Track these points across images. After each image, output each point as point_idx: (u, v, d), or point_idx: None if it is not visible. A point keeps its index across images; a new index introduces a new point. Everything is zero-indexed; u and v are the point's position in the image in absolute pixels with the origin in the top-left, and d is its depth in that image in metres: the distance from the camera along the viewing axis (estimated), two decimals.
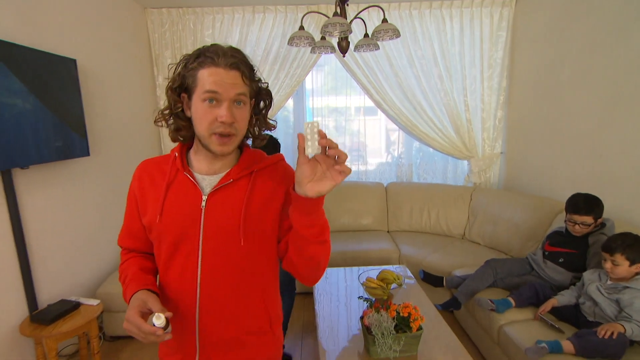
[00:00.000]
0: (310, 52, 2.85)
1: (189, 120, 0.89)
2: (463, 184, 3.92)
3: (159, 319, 0.80)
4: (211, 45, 0.86)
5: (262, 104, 0.95)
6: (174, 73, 0.88)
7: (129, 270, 0.96)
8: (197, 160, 0.95)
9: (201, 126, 0.85)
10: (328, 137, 0.74)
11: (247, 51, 3.58)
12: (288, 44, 2.67)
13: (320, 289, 2.51)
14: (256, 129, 0.95)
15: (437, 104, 3.70)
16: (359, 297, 2.19)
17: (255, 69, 0.90)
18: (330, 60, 3.77)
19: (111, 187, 2.81)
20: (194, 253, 0.91)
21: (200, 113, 0.85)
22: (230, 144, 0.87)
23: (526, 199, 3.13)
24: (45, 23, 2.25)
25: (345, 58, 3.60)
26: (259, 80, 0.92)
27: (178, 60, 0.89)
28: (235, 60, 0.84)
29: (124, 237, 1.01)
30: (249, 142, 0.98)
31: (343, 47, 2.64)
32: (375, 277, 2.41)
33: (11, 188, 2.00)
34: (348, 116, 3.86)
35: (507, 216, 3.17)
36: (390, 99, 3.72)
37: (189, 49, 3.54)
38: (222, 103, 0.83)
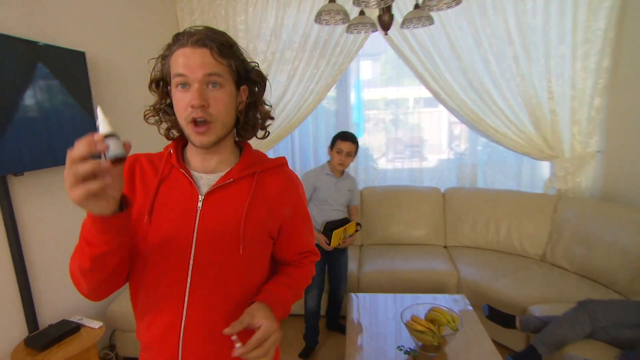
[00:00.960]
0: (346, 31, 2.28)
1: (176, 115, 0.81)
2: (543, 192, 3.11)
3: (102, 125, 0.59)
4: (184, 30, 0.78)
5: (255, 88, 0.86)
6: (155, 65, 0.82)
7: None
8: (191, 156, 0.87)
9: (179, 116, 0.78)
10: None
11: (284, 37, 3.11)
12: (315, 21, 2.13)
13: (354, 319, 1.97)
14: (252, 117, 0.88)
15: (510, 92, 2.94)
16: (399, 348, 1.62)
17: (242, 49, 0.82)
18: (387, 49, 3.17)
19: None
20: (184, 260, 0.80)
21: (175, 101, 0.78)
22: (209, 133, 0.78)
23: (636, 214, 2.30)
24: (59, 16, 2.00)
25: (395, 39, 2.99)
26: (243, 59, 0.82)
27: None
28: (201, 36, 0.75)
29: None
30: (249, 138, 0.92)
31: (385, 22, 2.05)
32: (423, 316, 1.82)
33: (7, 195, 1.78)
34: (406, 108, 3.32)
35: (607, 236, 2.36)
36: (450, 87, 3.02)
37: None
38: (192, 85, 0.75)
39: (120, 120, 2.50)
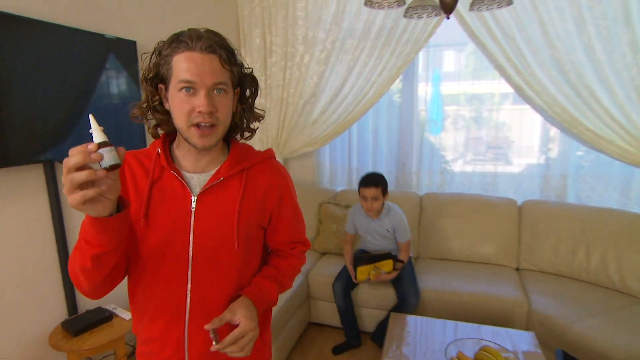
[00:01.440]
0: (404, 16, 1.94)
1: (168, 113, 0.82)
2: None
3: (96, 135, 0.61)
4: (187, 29, 0.78)
5: (247, 92, 0.88)
6: (148, 63, 0.81)
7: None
8: (181, 156, 0.87)
9: (179, 118, 0.79)
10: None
11: (345, 25, 2.84)
12: (365, 4, 1.83)
13: (394, 343, 1.70)
14: (244, 120, 0.90)
15: (621, 87, 2.35)
16: None
17: (237, 52, 0.83)
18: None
19: None
20: (183, 260, 0.83)
21: (177, 104, 0.78)
22: (212, 135, 0.80)
23: None
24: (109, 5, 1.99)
25: (472, 24, 2.54)
26: (242, 65, 0.85)
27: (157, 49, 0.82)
28: (212, 42, 0.77)
29: None
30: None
31: (447, 3, 1.68)
32: (472, 354, 1.51)
33: (54, 180, 1.82)
34: (491, 105, 2.88)
35: None
36: (538, 81, 2.51)
37: (279, 26, 2.98)
38: (199, 91, 0.77)
39: None
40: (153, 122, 0.86)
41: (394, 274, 2.26)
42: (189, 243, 0.84)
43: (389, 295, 2.35)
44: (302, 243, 1.04)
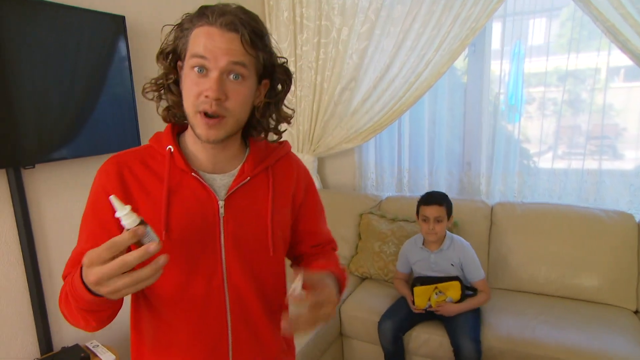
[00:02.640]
0: None
1: (182, 96, 0.77)
2: None
3: (127, 217, 0.60)
4: (218, 3, 0.74)
5: (278, 86, 0.83)
6: (168, 35, 0.78)
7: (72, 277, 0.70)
8: (196, 152, 0.82)
9: (187, 101, 0.74)
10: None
11: None
12: None
13: None
14: (269, 119, 0.85)
15: None
16: None
17: (273, 39, 0.79)
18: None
19: None
20: (217, 273, 0.80)
21: (187, 84, 0.74)
22: (220, 127, 0.74)
23: None
24: None
25: None
26: (272, 52, 0.79)
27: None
28: (235, 19, 0.71)
29: (80, 260, 0.65)
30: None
31: None
32: None
33: (21, 189, 1.61)
34: (593, 83, 2.34)
35: None
36: None
37: None
38: (210, 72, 0.71)
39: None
40: (164, 103, 0.82)
41: (464, 306, 1.91)
42: (221, 256, 0.80)
43: (446, 344, 1.87)
44: (333, 242, 1.03)
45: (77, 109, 1.67)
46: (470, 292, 1.98)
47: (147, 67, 2.05)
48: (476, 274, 1.97)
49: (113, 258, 0.58)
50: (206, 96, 0.71)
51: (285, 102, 0.87)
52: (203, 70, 0.72)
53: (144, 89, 0.82)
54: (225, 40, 0.71)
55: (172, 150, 0.79)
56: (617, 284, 2.07)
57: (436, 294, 1.92)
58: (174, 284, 0.79)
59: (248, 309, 0.84)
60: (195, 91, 0.72)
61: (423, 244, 2.05)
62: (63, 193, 1.77)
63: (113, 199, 0.61)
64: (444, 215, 1.95)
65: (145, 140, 1.99)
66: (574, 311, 2.00)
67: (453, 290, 1.91)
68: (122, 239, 0.58)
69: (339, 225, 2.61)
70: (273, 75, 0.82)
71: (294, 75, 2.73)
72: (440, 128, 2.75)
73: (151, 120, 2.08)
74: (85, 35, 1.67)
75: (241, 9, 0.74)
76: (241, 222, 0.81)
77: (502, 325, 1.90)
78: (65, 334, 1.81)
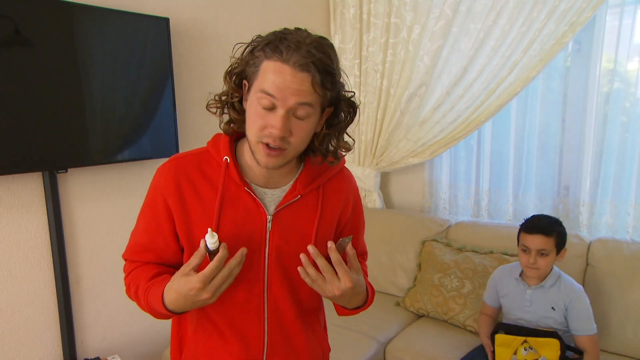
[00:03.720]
0: None
1: (245, 113, 0.85)
2: None
3: (212, 237, 0.76)
4: (292, 31, 0.80)
5: (341, 115, 0.89)
6: (240, 55, 0.85)
7: (141, 277, 0.90)
8: (251, 166, 0.90)
9: (251, 130, 0.83)
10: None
11: None
12: None
13: None
14: (328, 145, 0.90)
15: None
16: None
17: (339, 73, 0.84)
18: None
19: None
20: (258, 284, 0.90)
21: (252, 113, 0.82)
22: (280, 157, 0.84)
23: None
24: None
25: None
26: (340, 88, 0.86)
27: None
28: (308, 60, 0.76)
29: (138, 251, 0.93)
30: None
31: None
32: None
33: (56, 191, 1.73)
34: None
35: None
36: None
37: None
38: (278, 109, 0.78)
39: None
40: (226, 117, 0.89)
41: None
42: (264, 267, 0.89)
43: None
44: (366, 253, 1.11)
45: (121, 115, 1.77)
46: (573, 354, 1.67)
47: (189, 72, 2.11)
48: (585, 327, 1.67)
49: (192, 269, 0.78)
50: (271, 132, 0.79)
51: (349, 131, 0.92)
52: (270, 105, 0.79)
53: (208, 104, 0.89)
54: (296, 82, 0.76)
55: (229, 161, 0.88)
56: None
57: (525, 349, 1.65)
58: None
59: (284, 317, 0.94)
60: (260, 124, 0.80)
61: (520, 276, 1.79)
62: (96, 198, 1.87)
63: (208, 237, 0.77)
64: (552, 249, 1.68)
65: (183, 147, 2.04)
66: None
67: (549, 350, 1.61)
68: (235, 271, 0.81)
69: (398, 252, 2.44)
70: (338, 105, 0.87)
71: (358, 79, 2.70)
72: (531, 143, 2.44)
73: (191, 127, 2.14)
74: (131, 39, 1.77)
75: (316, 43, 0.78)
76: (287, 238, 0.90)
77: None
78: (88, 345, 1.90)
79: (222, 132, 0.92)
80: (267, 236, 0.89)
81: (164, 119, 1.91)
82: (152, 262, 0.92)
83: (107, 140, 1.76)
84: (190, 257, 0.81)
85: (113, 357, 1.85)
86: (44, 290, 1.75)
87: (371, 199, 2.77)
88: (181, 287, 0.77)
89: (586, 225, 2.30)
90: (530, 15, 2.13)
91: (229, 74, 0.86)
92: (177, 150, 1.95)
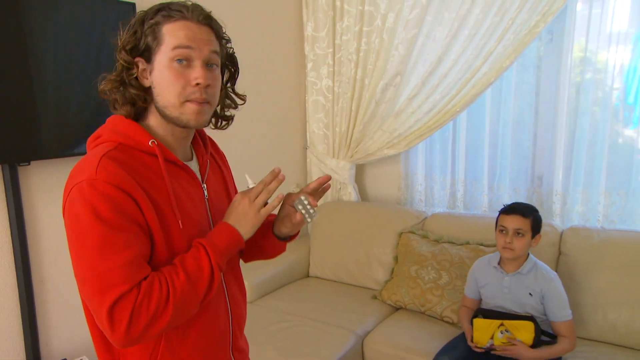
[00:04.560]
0: None
1: (144, 90, 0.88)
2: None
3: (251, 180, 0.95)
4: (172, 1, 0.88)
5: (227, 73, 0.99)
6: (127, 31, 0.87)
7: (168, 278, 0.83)
8: (170, 141, 0.92)
9: (171, 93, 0.85)
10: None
11: None
12: None
13: None
14: (224, 105, 1.00)
15: None
16: None
17: (224, 28, 0.94)
18: None
19: None
20: None
21: (168, 76, 0.85)
22: (207, 112, 0.89)
23: None
24: None
25: None
26: (228, 41, 0.96)
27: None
28: (206, 14, 0.88)
29: (136, 270, 0.79)
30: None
31: None
32: None
33: (17, 185, 1.71)
34: None
35: None
36: None
37: None
38: (194, 62, 0.85)
39: None
40: (116, 98, 0.89)
41: (541, 353, 1.74)
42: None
43: None
44: None
45: (78, 104, 1.76)
46: (548, 339, 1.79)
47: None
48: (560, 312, 1.78)
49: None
50: (197, 84, 0.83)
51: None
52: (184, 61, 0.84)
53: (102, 88, 0.89)
54: (204, 33, 0.86)
55: (156, 143, 0.86)
56: None
57: (501, 332, 1.76)
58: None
59: (234, 293, 1.02)
60: (182, 83, 0.84)
61: (498, 264, 1.91)
62: (60, 193, 1.85)
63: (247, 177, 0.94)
64: (527, 230, 1.81)
65: None
66: None
67: (524, 333, 1.73)
68: (272, 185, 0.90)
69: (374, 245, 2.51)
70: (227, 64, 0.97)
71: (332, 69, 2.76)
72: (505, 134, 2.56)
73: None
74: (92, 24, 1.75)
75: (198, 4, 0.90)
76: (218, 204, 0.99)
77: None
78: (54, 347, 1.89)
79: (115, 119, 0.89)
80: (207, 206, 0.97)
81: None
82: (147, 273, 0.81)
83: (69, 132, 1.75)
84: (165, 246, 0.85)
85: (80, 359, 1.85)
86: (5, 290, 1.72)
87: (346, 191, 2.83)
88: (235, 208, 0.89)
89: (559, 214, 2.43)
90: (504, 5, 2.22)
91: (122, 50, 0.86)
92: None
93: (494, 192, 2.62)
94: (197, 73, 0.83)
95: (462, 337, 1.93)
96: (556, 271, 2.09)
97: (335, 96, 2.77)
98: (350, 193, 2.82)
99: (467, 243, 2.25)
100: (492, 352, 1.76)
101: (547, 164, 2.48)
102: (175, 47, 0.83)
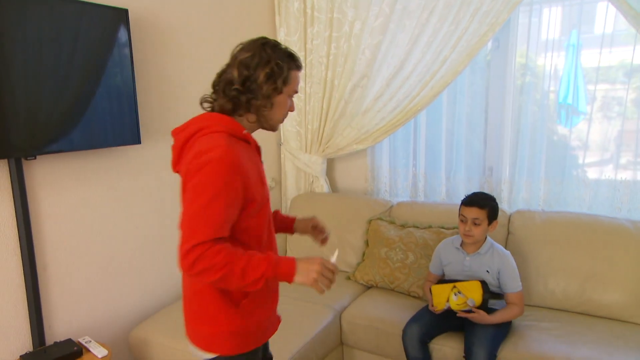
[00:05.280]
0: None
1: (250, 103, 1.25)
2: None
3: (336, 257, 1.29)
4: (287, 48, 1.31)
5: None
6: (273, 63, 1.22)
7: (243, 253, 1.15)
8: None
9: (281, 113, 1.31)
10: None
11: None
12: None
13: None
14: None
15: None
16: None
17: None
18: None
19: (169, 192, 2.44)
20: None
21: (284, 104, 1.29)
22: None
23: None
24: None
25: None
26: None
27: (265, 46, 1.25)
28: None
29: (220, 227, 1.12)
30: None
31: None
32: None
33: (22, 180, 1.82)
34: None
35: None
36: None
37: None
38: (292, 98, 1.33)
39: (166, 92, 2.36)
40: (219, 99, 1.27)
41: (498, 317, 2.00)
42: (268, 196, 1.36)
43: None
44: None
45: (77, 101, 1.88)
46: (495, 295, 2.03)
47: (148, 60, 2.27)
48: (513, 285, 2.05)
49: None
50: (291, 110, 1.34)
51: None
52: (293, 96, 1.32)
53: (224, 91, 1.25)
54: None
55: (247, 132, 1.28)
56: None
57: (455, 294, 1.99)
58: (266, 220, 1.32)
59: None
60: (287, 108, 1.31)
61: (460, 245, 2.17)
62: (62, 186, 1.99)
63: (334, 257, 1.28)
64: (484, 219, 2.04)
65: (146, 135, 2.22)
66: (590, 328, 2.08)
67: (473, 291, 1.97)
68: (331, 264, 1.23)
69: (346, 232, 2.75)
70: None
71: (304, 71, 2.97)
72: (460, 130, 2.86)
73: (151, 113, 2.30)
74: (86, 27, 1.88)
75: None
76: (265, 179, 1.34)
77: (514, 341, 2.00)
78: (58, 328, 2.01)
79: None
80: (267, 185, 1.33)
81: (125, 107, 2.05)
82: (226, 235, 1.13)
83: (71, 128, 1.87)
84: (248, 212, 1.21)
85: (84, 338, 1.97)
86: (11, 276, 1.83)
87: (318, 184, 3.07)
88: (311, 260, 1.18)
89: (507, 200, 2.76)
90: (458, 15, 2.51)
91: (270, 78, 1.21)
92: (139, 138, 2.11)
93: (451, 182, 2.92)
94: (293, 105, 1.34)
95: (427, 308, 2.18)
96: (505, 248, 2.41)
97: (307, 96, 2.99)
98: (322, 185, 3.05)
99: (430, 227, 2.53)
100: (458, 316, 2.01)
101: (496, 157, 2.79)
102: (294, 91, 1.29)
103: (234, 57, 1.24)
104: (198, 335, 1.29)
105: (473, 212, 2.05)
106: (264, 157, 1.41)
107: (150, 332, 2.13)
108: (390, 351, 2.18)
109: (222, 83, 1.23)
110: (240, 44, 1.26)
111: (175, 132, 1.27)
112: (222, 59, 1.31)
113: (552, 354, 1.90)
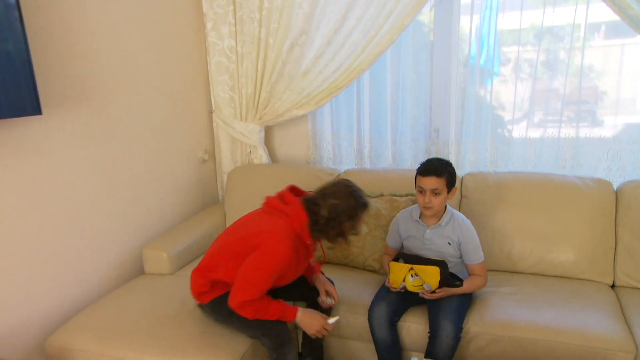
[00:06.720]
0: None
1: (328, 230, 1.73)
2: None
3: (335, 320, 1.79)
4: (352, 188, 1.76)
5: None
6: (351, 211, 1.72)
7: (270, 301, 1.72)
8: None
9: (338, 235, 1.74)
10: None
11: None
12: None
13: None
14: None
15: None
16: None
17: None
18: None
19: (80, 174, 2.16)
20: None
21: (347, 233, 1.74)
22: None
23: None
24: None
25: None
26: None
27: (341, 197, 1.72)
28: None
29: (264, 290, 1.68)
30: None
31: None
32: None
33: None
34: (571, 42, 2.41)
35: None
36: None
37: None
38: None
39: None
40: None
41: (443, 293, 1.90)
42: None
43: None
44: None
45: None
46: (456, 283, 1.94)
47: (47, 21, 1.87)
48: (474, 256, 1.99)
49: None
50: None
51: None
52: None
53: (329, 236, 1.76)
54: None
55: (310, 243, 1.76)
56: (593, 257, 2.16)
57: (412, 276, 1.90)
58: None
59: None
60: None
61: (419, 217, 2.05)
62: None
63: (334, 320, 1.81)
64: (443, 188, 1.93)
65: (48, 104, 1.84)
66: (548, 288, 2.08)
67: (431, 277, 1.87)
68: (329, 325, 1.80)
69: None
70: None
71: (234, 28, 2.66)
72: (405, 92, 2.74)
73: (52, 79, 1.92)
74: None
75: None
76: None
77: (477, 310, 1.94)
78: None
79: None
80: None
81: (19, 74, 1.67)
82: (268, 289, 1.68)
83: None
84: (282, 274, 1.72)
85: None
86: None
87: (257, 154, 2.82)
88: (314, 317, 1.77)
89: (454, 162, 2.67)
90: None
91: (356, 226, 1.76)
92: (39, 107, 1.74)
93: (397, 146, 2.81)
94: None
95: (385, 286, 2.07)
96: (459, 211, 2.35)
97: (239, 57, 2.70)
98: (261, 156, 2.81)
99: (382, 195, 2.40)
100: (421, 296, 1.92)
101: (442, 118, 2.72)
102: (359, 230, 1.77)
103: (322, 195, 1.74)
104: None
105: (431, 182, 1.92)
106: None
107: (70, 338, 1.84)
108: (350, 333, 2.05)
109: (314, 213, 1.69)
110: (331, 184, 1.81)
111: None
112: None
113: (517, 320, 1.86)
